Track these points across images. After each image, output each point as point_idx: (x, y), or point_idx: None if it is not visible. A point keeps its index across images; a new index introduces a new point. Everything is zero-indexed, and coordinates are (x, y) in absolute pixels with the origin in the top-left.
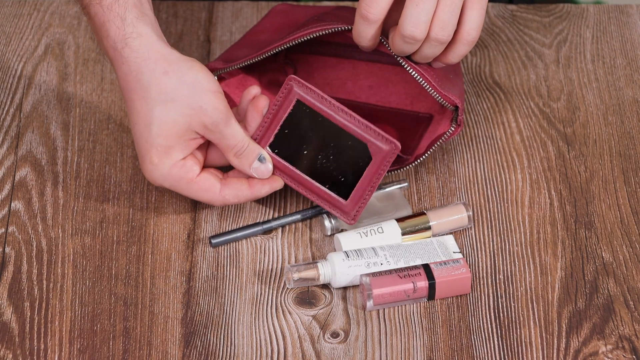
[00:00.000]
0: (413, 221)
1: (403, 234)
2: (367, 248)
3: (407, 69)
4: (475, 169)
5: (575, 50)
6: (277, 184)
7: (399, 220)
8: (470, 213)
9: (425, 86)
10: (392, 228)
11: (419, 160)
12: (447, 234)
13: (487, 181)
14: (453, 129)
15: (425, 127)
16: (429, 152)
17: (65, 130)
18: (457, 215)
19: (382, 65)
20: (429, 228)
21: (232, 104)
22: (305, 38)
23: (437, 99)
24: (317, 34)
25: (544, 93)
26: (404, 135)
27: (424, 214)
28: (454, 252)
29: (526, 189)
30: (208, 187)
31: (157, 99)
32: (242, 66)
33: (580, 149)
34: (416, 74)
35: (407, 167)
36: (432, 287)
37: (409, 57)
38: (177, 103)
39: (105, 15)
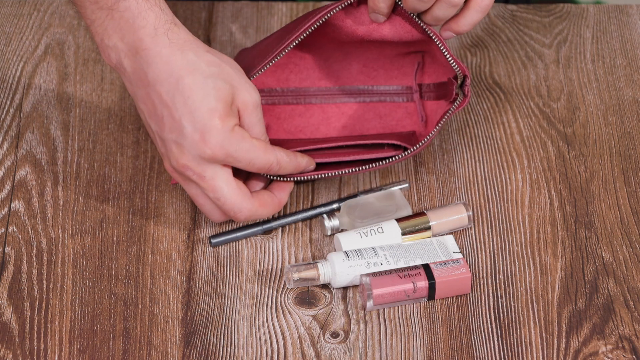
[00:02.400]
0: (413, 221)
1: (403, 234)
2: (367, 248)
3: (422, 25)
4: (475, 169)
5: (575, 50)
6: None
7: (399, 220)
8: (470, 213)
9: (439, 45)
10: (392, 228)
11: (429, 136)
12: (447, 234)
13: (487, 181)
14: (460, 100)
15: (415, 137)
16: (438, 126)
17: (65, 130)
18: (457, 215)
19: (353, 104)
20: (429, 228)
21: None
22: (313, 27)
23: (450, 63)
24: (324, 19)
25: (544, 93)
26: (399, 136)
27: (424, 214)
28: (454, 252)
29: (526, 189)
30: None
31: (207, 71)
32: None
33: (580, 149)
34: (431, 33)
35: (416, 147)
36: (432, 287)
37: (419, 17)
38: (225, 76)
39: (141, 6)
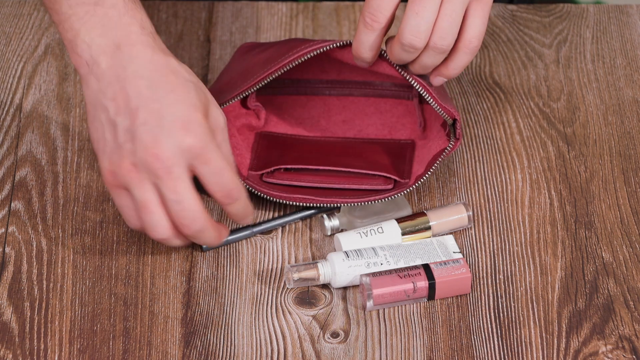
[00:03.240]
0: (413, 221)
1: (403, 234)
2: (367, 248)
3: (408, 78)
4: (475, 169)
5: (575, 50)
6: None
7: (399, 220)
8: (470, 213)
9: (426, 96)
10: (392, 228)
11: (420, 182)
12: (447, 234)
13: (487, 181)
14: (452, 144)
15: (411, 151)
16: (430, 172)
17: (65, 130)
18: (457, 216)
19: (354, 98)
20: (429, 228)
21: None
22: (299, 61)
23: (437, 110)
24: (312, 54)
25: (544, 93)
26: (393, 162)
27: (424, 214)
28: (454, 252)
29: (526, 189)
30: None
31: (188, 77)
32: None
33: (580, 149)
34: (417, 84)
35: (409, 189)
36: (432, 287)
37: (406, 67)
38: (202, 87)
39: (128, 5)
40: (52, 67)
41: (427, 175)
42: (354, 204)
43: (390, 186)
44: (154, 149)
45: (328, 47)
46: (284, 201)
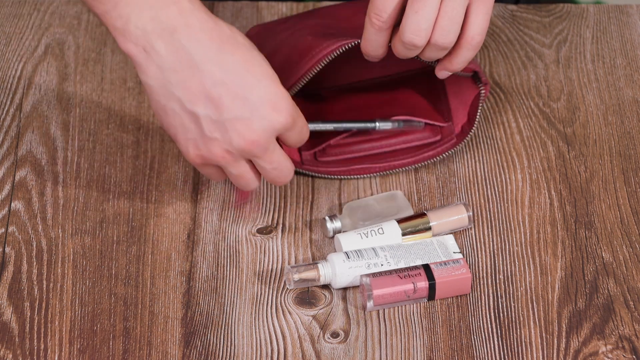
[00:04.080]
0: (413, 222)
1: (403, 235)
2: (368, 249)
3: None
4: (475, 169)
5: (575, 50)
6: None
7: (399, 221)
8: (471, 213)
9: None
10: (392, 229)
11: (470, 134)
12: (447, 234)
13: (487, 181)
14: (483, 89)
15: (442, 86)
16: (476, 122)
17: (65, 130)
18: (457, 216)
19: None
20: (429, 228)
21: None
22: (318, 67)
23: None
24: (331, 57)
25: (544, 93)
26: (430, 102)
27: (425, 214)
28: (454, 252)
29: (526, 189)
30: None
31: (249, 45)
32: None
33: (580, 149)
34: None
35: (463, 143)
36: (432, 287)
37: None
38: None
39: None
40: (52, 67)
41: (474, 128)
42: (405, 166)
43: (438, 136)
44: (251, 136)
45: (341, 50)
46: (345, 176)
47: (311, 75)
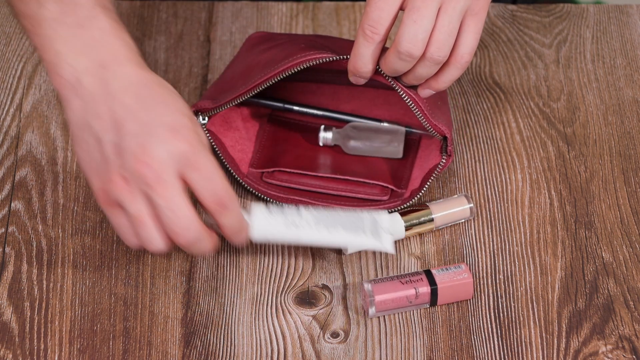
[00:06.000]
0: (416, 214)
1: (407, 228)
2: (292, 208)
3: (399, 92)
4: (475, 169)
5: (575, 50)
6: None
7: (402, 213)
8: (472, 205)
9: (416, 112)
10: (396, 222)
11: (416, 197)
12: (450, 225)
13: (487, 181)
14: (444, 160)
15: (414, 153)
16: (425, 187)
17: (65, 130)
18: (459, 207)
19: (364, 88)
20: (431, 220)
21: (219, 143)
22: (297, 68)
23: (426, 127)
24: (310, 64)
25: (544, 93)
26: (393, 168)
27: (427, 206)
28: (385, 234)
29: (526, 189)
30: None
31: (174, 92)
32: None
33: (580, 149)
34: (408, 99)
35: (404, 206)
36: (434, 292)
37: (398, 80)
38: (185, 103)
39: (114, 26)
40: None
41: (422, 191)
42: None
43: (386, 197)
44: (143, 156)
45: (325, 60)
46: (280, 203)
47: (285, 75)
